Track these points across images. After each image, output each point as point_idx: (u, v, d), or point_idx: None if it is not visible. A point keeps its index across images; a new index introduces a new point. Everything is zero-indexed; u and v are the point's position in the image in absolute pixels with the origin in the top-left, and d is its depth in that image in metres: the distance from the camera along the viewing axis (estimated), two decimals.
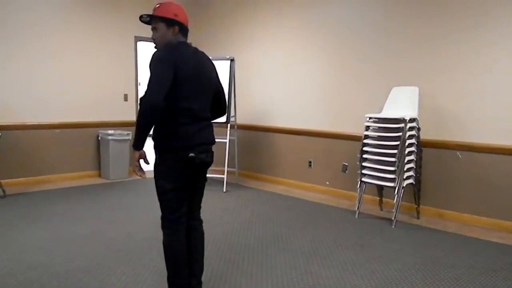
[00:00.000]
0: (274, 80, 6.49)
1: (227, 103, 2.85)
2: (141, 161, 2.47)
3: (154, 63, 2.33)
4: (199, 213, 2.73)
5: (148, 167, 2.48)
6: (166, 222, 2.53)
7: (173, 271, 2.54)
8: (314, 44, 5.93)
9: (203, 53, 2.65)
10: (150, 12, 2.52)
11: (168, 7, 2.48)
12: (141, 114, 2.25)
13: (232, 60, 6.09)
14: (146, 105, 2.23)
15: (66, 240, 3.81)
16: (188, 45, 2.55)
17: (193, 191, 2.63)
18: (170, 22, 2.45)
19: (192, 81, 2.43)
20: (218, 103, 2.75)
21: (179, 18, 2.48)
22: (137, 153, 2.41)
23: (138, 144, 2.37)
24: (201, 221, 2.73)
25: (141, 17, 2.53)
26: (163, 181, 2.47)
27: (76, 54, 6.34)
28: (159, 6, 2.48)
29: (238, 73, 6.47)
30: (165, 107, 2.35)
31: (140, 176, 2.46)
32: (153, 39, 2.52)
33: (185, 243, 2.56)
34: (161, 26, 2.46)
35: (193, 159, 2.43)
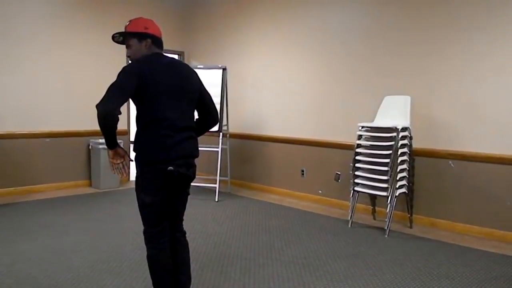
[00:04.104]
0: (266, 89, 6.49)
1: (218, 110, 2.79)
2: (124, 159, 2.45)
3: (121, 73, 2.33)
4: (182, 225, 2.69)
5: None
6: (148, 236, 2.49)
7: (159, 284, 2.50)
8: (307, 53, 5.94)
9: (181, 62, 2.65)
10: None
11: (137, 22, 2.49)
12: (98, 119, 2.21)
13: (224, 69, 6.08)
14: (99, 112, 2.19)
15: (56, 252, 3.75)
16: (163, 56, 2.53)
17: (175, 204, 2.58)
18: (142, 36, 2.46)
19: (167, 90, 2.40)
20: (207, 111, 2.70)
21: (150, 31, 2.48)
22: (111, 152, 2.40)
23: (108, 144, 2.37)
24: (184, 233, 2.69)
25: (113, 38, 2.54)
26: (142, 194, 2.43)
27: (66, 63, 6.30)
28: (129, 23, 2.50)
29: (230, 81, 6.46)
30: (142, 118, 2.37)
31: (119, 174, 2.48)
32: (128, 57, 2.52)
33: (169, 256, 2.52)
34: (134, 41, 2.47)
35: (172, 173, 2.38)
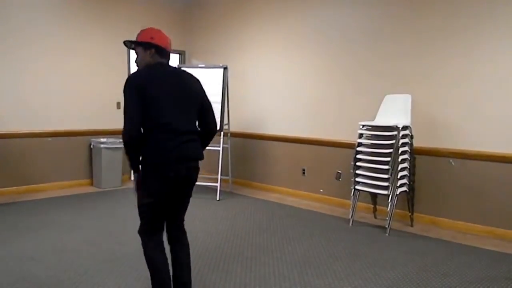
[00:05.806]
0: (267, 88, 6.49)
1: (217, 122, 2.81)
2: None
3: (124, 90, 2.45)
4: (183, 225, 2.75)
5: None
6: (143, 235, 2.58)
7: (155, 283, 2.55)
8: (308, 52, 5.94)
9: (185, 71, 2.74)
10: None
11: (146, 32, 2.63)
12: (124, 145, 2.43)
13: (225, 68, 6.08)
14: (124, 139, 2.40)
15: (58, 251, 3.76)
16: (166, 65, 2.65)
17: (176, 206, 2.65)
18: (147, 45, 2.60)
19: (167, 96, 2.50)
20: (205, 121, 2.73)
21: (155, 41, 2.59)
22: (137, 176, 2.54)
23: (132, 168, 2.53)
24: (184, 232, 2.74)
25: (125, 44, 2.72)
26: (142, 194, 2.52)
27: (68, 62, 6.31)
28: (139, 33, 2.64)
29: (231, 81, 6.47)
30: (145, 125, 2.47)
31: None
32: (135, 63, 2.66)
33: (165, 255, 2.57)
34: (140, 50, 2.62)
35: (175, 177, 2.47)
